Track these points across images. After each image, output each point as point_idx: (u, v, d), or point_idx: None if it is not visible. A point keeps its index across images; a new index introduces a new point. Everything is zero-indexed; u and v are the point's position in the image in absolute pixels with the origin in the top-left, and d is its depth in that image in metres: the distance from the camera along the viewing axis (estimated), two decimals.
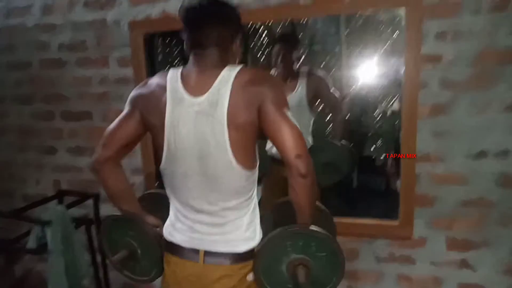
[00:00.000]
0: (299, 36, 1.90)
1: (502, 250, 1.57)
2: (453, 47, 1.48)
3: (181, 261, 1.11)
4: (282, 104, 0.99)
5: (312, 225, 1.05)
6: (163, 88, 1.04)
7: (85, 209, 2.08)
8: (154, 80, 1.09)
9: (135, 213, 1.20)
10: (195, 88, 1.01)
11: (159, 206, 1.30)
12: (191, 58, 1.06)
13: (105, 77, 2.02)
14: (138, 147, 2.01)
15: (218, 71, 1.01)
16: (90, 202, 2.05)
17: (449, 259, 1.64)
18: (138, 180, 2.06)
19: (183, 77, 1.04)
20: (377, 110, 1.85)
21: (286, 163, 0.98)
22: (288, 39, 1.88)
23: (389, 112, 1.78)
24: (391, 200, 1.66)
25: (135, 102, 1.09)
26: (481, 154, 1.52)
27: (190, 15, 1.03)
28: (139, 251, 1.22)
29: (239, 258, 1.07)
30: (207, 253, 1.08)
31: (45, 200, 2.04)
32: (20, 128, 2.25)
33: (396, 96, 1.71)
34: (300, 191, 1.00)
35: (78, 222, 1.87)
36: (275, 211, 1.29)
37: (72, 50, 2.05)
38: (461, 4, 1.45)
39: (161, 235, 1.18)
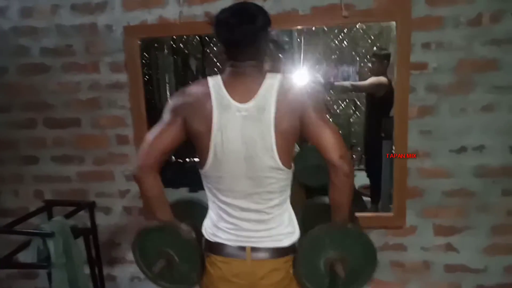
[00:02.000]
0: None
1: (481, 233, 1.87)
2: (436, 56, 1.73)
3: (228, 260, 1.20)
4: (322, 110, 1.15)
5: (349, 223, 1.21)
6: (206, 95, 1.13)
7: (76, 219, 2.05)
8: (195, 88, 1.17)
9: (170, 220, 1.26)
10: (241, 94, 1.12)
11: (187, 213, 1.37)
12: (229, 63, 1.16)
13: (96, 83, 2.02)
14: (133, 153, 2.04)
15: (259, 78, 1.13)
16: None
17: (436, 244, 1.91)
18: (133, 186, 2.08)
19: (226, 85, 1.14)
20: None
21: (330, 164, 1.12)
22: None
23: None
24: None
25: (178, 110, 1.16)
26: (462, 149, 1.78)
27: (225, 21, 1.10)
28: (176, 258, 1.27)
29: (283, 252, 1.20)
30: (253, 250, 1.19)
31: (34, 212, 1.98)
32: None
33: None
34: (344, 190, 1.14)
35: (76, 233, 1.85)
36: (304, 212, 1.40)
37: (57, 55, 2.03)
38: (443, 18, 1.69)
39: (196, 239, 1.26)
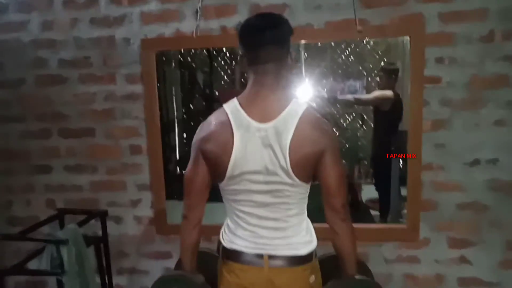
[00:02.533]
0: None
1: (496, 247, 1.86)
2: (450, 71, 1.76)
3: (245, 267, 1.21)
4: (338, 154, 1.18)
5: (357, 275, 1.23)
6: (224, 121, 1.15)
7: (86, 228, 2.04)
8: (212, 118, 1.20)
9: (191, 271, 1.30)
10: (260, 115, 1.13)
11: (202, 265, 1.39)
12: (251, 78, 1.18)
13: (111, 94, 2.05)
14: (145, 163, 2.04)
15: (284, 101, 1.15)
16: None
17: (450, 257, 1.90)
18: (145, 196, 2.09)
19: (243, 106, 1.15)
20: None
21: (331, 209, 1.17)
22: None
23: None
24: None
25: (198, 145, 1.19)
26: (475, 162, 1.79)
27: (250, 32, 1.15)
28: None
29: (301, 260, 1.20)
30: (271, 257, 1.19)
31: (46, 220, 1.98)
32: (6, 149, 2.19)
33: None
34: (344, 235, 1.18)
35: (88, 241, 1.84)
36: None
37: (75, 67, 2.07)
38: (455, 34, 1.72)
39: None
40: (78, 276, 1.74)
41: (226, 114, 1.15)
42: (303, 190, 1.18)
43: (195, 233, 1.26)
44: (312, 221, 1.27)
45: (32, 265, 1.87)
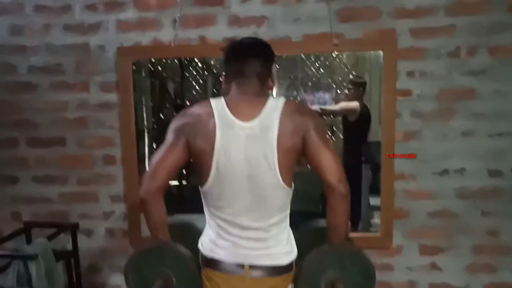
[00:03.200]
0: None
1: (463, 252, 1.94)
2: (420, 84, 1.84)
3: (226, 276, 1.21)
4: (323, 132, 1.20)
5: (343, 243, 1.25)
6: (209, 115, 1.16)
7: (55, 242, 1.94)
8: (197, 109, 1.20)
9: (169, 240, 1.26)
10: (244, 114, 1.15)
11: (180, 236, 1.35)
12: (233, 87, 1.21)
13: (84, 102, 1.99)
14: (119, 173, 1.98)
15: (263, 99, 1.18)
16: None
17: (422, 264, 1.96)
18: (118, 208, 2.02)
19: (229, 105, 1.17)
20: None
21: (328, 185, 1.17)
22: None
23: None
24: None
25: (180, 130, 1.18)
26: (444, 172, 1.87)
27: (236, 49, 1.23)
28: (174, 279, 1.25)
29: (281, 270, 1.21)
30: (252, 267, 1.19)
31: (12, 235, 1.87)
32: None
33: None
34: (341, 211, 1.19)
35: (57, 255, 1.76)
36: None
37: (46, 74, 1.99)
38: (425, 49, 1.81)
39: (194, 259, 1.26)
40: None
41: (211, 107, 1.16)
42: (286, 194, 1.19)
43: (159, 211, 1.21)
44: None
45: None
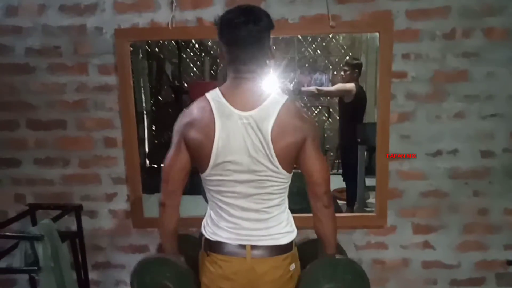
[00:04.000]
0: None
1: (455, 231, 2.02)
2: (415, 66, 1.86)
3: (228, 258, 1.24)
4: (319, 143, 1.24)
5: (337, 255, 1.32)
6: (206, 108, 1.17)
7: (60, 223, 1.99)
8: (193, 106, 1.21)
9: (173, 253, 1.33)
10: (243, 103, 1.17)
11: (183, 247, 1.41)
12: (231, 72, 1.20)
13: (83, 85, 2.00)
14: (120, 155, 2.01)
15: (263, 91, 1.19)
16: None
17: (415, 242, 2.04)
18: (120, 190, 2.06)
19: (225, 95, 1.18)
20: None
21: (313, 195, 1.24)
22: None
23: None
24: None
25: (179, 132, 1.21)
26: (437, 153, 1.92)
27: (229, 30, 1.13)
28: None
29: (282, 250, 1.26)
30: (253, 248, 1.24)
31: (17, 217, 1.92)
32: None
33: None
34: (326, 221, 1.26)
35: (62, 236, 1.80)
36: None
37: (43, 56, 1.98)
38: (420, 32, 1.82)
39: (193, 274, 1.33)
40: (54, 272, 1.71)
41: (208, 102, 1.17)
42: (285, 179, 1.23)
43: (174, 219, 1.29)
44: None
45: (3, 263, 1.81)
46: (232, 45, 1.15)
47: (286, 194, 1.29)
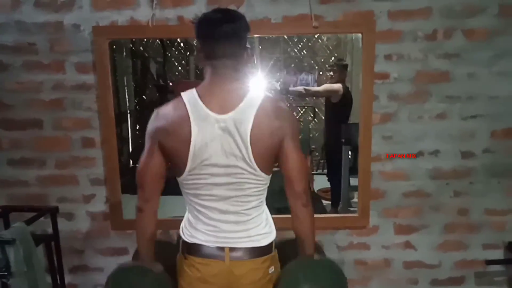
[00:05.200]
0: None
1: (435, 231, 2.04)
2: (397, 67, 1.87)
3: (206, 261, 1.22)
4: (298, 140, 1.22)
5: (315, 255, 1.31)
6: (181, 110, 1.13)
7: (35, 226, 1.93)
8: (168, 108, 1.17)
9: (148, 260, 1.31)
10: (219, 106, 1.14)
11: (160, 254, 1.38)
12: (208, 71, 1.18)
13: (60, 83, 1.94)
14: (99, 156, 1.97)
15: (241, 91, 1.16)
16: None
17: (396, 242, 2.05)
18: (98, 191, 2.02)
19: (201, 97, 1.15)
20: None
21: (292, 194, 1.22)
22: None
23: None
24: None
25: (153, 135, 1.18)
26: (419, 154, 1.93)
27: (206, 27, 1.14)
28: None
29: (261, 251, 1.24)
30: (231, 250, 1.21)
31: None
32: None
33: None
34: (304, 219, 1.24)
35: (37, 239, 1.75)
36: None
37: (17, 53, 1.92)
38: (402, 32, 1.82)
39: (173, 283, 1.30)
40: (27, 277, 1.66)
41: (184, 104, 1.14)
42: (264, 181, 1.21)
43: (152, 225, 1.27)
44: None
45: None
46: (208, 44, 1.15)
47: (265, 195, 1.27)
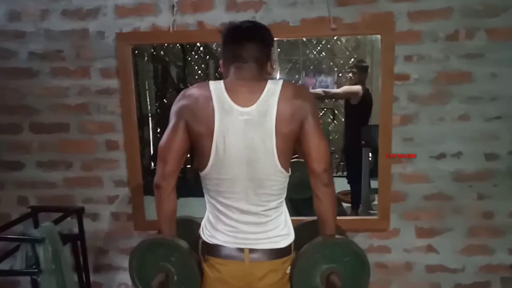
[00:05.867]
0: None
1: (459, 234, 1.99)
2: (417, 68, 1.85)
3: (226, 262, 1.24)
4: (318, 119, 1.22)
5: (336, 235, 1.28)
6: (207, 98, 1.17)
7: (62, 225, 2.01)
8: (195, 91, 1.21)
9: (174, 236, 1.31)
10: (243, 99, 1.17)
11: (184, 231, 1.39)
12: (232, 71, 1.22)
13: (85, 88, 2.02)
14: (122, 158, 2.03)
15: (261, 84, 1.19)
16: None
17: (418, 246, 2.02)
18: (122, 192, 2.08)
19: (227, 89, 1.18)
20: None
21: (313, 173, 1.21)
22: None
23: None
24: None
25: (179, 113, 1.20)
26: (441, 156, 1.90)
27: (235, 33, 1.21)
28: (175, 277, 1.29)
29: (280, 253, 1.25)
30: (251, 251, 1.23)
31: (19, 219, 1.94)
32: None
33: None
34: (325, 199, 1.23)
35: (64, 239, 1.82)
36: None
37: (46, 60, 2.01)
38: (422, 33, 1.81)
39: (195, 258, 1.30)
40: (55, 274, 1.73)
41: (210, 92, 1.17)
42: (284, 178, 1.23)
43: (171, 201, 1.27)
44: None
45: (5, 265, 1.83)
46: (234, 46, 1.20)
47: (284, 195, 1.28)
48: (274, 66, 1.29)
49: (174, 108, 1.22)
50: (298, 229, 1.36)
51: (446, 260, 2.01)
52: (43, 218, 2.01)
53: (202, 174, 1.23)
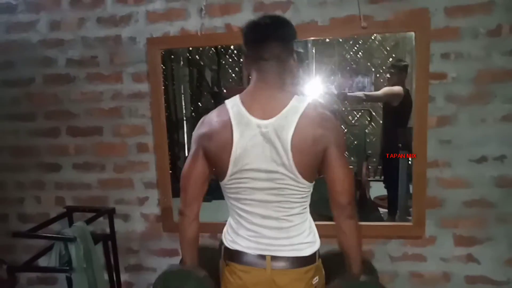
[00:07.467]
0: None
1: (502, 244, 1.84)
2: (456, 66, 1.75)
3: (248, 269, 1.20)
4: (343, 149, 1.17)
5: (362, 275, 1.23)
6: (225, 122, 1.15)
7: (95, 225, 2.08)
8: (213, 117, 1.20)
9: (193, 265, 1.32)
10: (261, 111, 1.14)
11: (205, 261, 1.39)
12: (253, 73, 1.19)
13: (118, 92, 2.08)
14: (152, 161, 2.08)
15: (285, 98, 1.14)
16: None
17: (457, 255, 1.88)
18: (151, 194, 2.12)
19: (244, 103, 1.16)
20: None
21: (337, 206, 1.17)
22: None
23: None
24: None
25: (198, 141, 1.21)
26: (482, 159, 1.78)
27: (254, 31, 1.17)
28: None
29: (304, 261, 1.20)
30: (273, 258, 1.19)
31: (55, 218, 2.03)
32: (16, 147, 2.24)
33: None
34: (350, 233, 1.18)
35: (96, 238, 1.89)
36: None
37: (82, 66, 2.09)
38: (461, 29, 1.71)
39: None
40: (86, 273, 1.78)
41: (227, 110, 1.16)
42: (306, 188, 1.18)
43: (193, 228, 1.28)
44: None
45: (42, 262, 1.93)
46: (254, 46, 1.17)
47: (308, 202, 1.22)
48: (300, 60, 1.24)
49: (193, 136, 1.23)
50: (329, 256, 1.33)
51: (488, 271, 1.86)
52: (78, 218, 2.08)
53: (221, 183, 1.22)
